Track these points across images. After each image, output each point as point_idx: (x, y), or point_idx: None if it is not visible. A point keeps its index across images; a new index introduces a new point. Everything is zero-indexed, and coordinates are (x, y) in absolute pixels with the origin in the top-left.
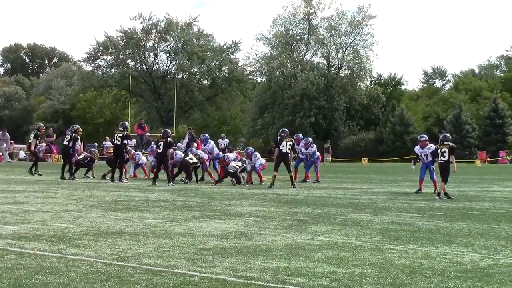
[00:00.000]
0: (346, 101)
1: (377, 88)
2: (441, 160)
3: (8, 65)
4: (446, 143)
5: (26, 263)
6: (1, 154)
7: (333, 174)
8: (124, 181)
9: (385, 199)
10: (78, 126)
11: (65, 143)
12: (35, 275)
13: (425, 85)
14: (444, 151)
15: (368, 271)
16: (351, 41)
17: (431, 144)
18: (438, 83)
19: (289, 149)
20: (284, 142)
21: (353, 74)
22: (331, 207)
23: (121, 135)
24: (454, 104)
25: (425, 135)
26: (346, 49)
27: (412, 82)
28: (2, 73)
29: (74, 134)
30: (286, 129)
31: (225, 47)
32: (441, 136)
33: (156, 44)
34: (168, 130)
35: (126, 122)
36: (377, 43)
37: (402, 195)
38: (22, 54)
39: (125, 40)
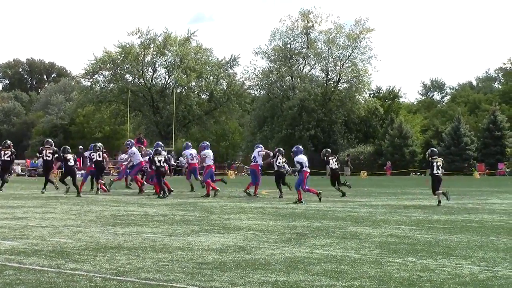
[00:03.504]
0: (344, 114)
1: (375, 101)
2: (437, 172)
3: (7, 81)
4: (438, 157)
5: (24, 279)
6: None
7: (332, 188)
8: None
9: (384, 212)
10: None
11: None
12: None
13: (423, 98)
14: (440, 165)
15: (367, 284)
16: (349, 54)
17: None
18: (437, 96)
19: (337, 164)
20: (331, 160)
21: (352, 87)
22: (330, 220)
23: (51, 151)
24: (453, 116)
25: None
26: (344, 62)
27: (411, 95)
28: (0, 88)
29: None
30: (329, 149)
31: (223, 61)
32: (432, 150)
33: (155, 59)
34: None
35: (50, 140)
36: (376, 56)
37: (401, 208)
38: (20, 69)
39: (123, 55)
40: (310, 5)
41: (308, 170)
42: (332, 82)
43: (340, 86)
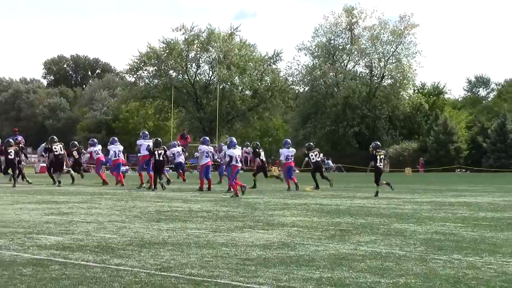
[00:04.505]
0: (389, 110)
1: (420, 97)
2: (380, 164)
3: (52, 77)
4: (382, 150)
5: (70, 273)
6: (46, 165)
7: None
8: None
9: (429, 209)
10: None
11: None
12: (79, 285)
13: (468, 94)
14: (382, 158)
15: (412, 281)
16: (394, 50)
17: None
18: (482, 92)
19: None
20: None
21: (396, 83)
22: (375, 217)
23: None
24: (498, 113)
25: None
26: (388, 58)
27: (455, 91)
28: (46, 84)
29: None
30: (379, 143)
31: (266, 57)
32: (376, 144)
33: (198, 55)
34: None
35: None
36: (420, 52)
37: (446, 205)
38: (65, 65)
39: (167, 50)
40: (354, 1)
41: (239, 165)
42: (376, 78)
43: (384, 82)
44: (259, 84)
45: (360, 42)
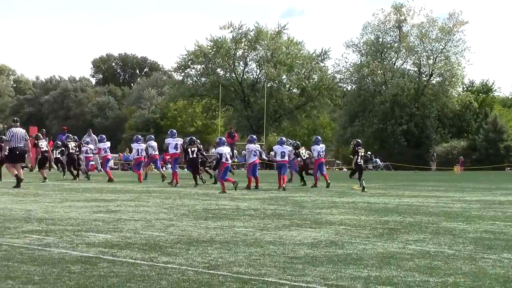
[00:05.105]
0: (437, 108)
1: (469, 95)
2: (360, 161)
3: (100, 76)
4: (362, 148)
5: (118, 271)
6: (93, 163)
7: (425, 182)
8: None
9: (478, 207)
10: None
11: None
12: (127, 283)
13: None
14: (362, 155)
15: (461, 280)
16: (442, 47)
17: None
18: None
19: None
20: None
21: (445, 81)
22: (423, 216)
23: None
24: None
25: None
26: (437, 56)
27: (505, 89)
28: (94, 83)
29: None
30: (359, 140)
31: (314, 55)
32: (357, 141)
33: (246, 53)
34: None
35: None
36: (469, 49)
37: (495, 204)
38: (113, 64)
39: (215, 49)
40: None
41: (229, 162)
42: (424, 76)
43: (433, 80)
44: (306, 82)
45: (409, 39)
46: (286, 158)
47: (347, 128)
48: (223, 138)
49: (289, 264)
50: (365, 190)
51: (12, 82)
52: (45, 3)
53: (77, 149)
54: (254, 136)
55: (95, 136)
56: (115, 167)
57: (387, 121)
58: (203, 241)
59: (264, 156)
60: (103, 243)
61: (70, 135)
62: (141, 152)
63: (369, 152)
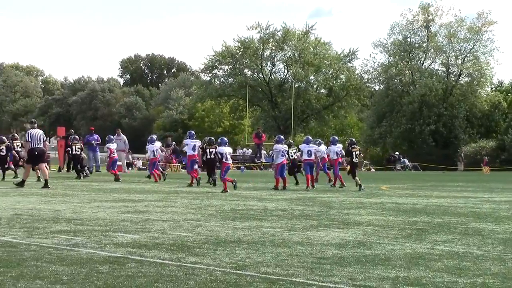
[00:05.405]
0: (466, 108)
1: (498, 94)
2: (356, 160)
3: (128, 76)
4: (356, 146)
5: (146, 271)
6: (120, 163)
7: (454, 183)
8: None
9: (507, 208)
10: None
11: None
12: (155, 283)
13: None
14: (357, 153)
15: (490, 281)
16: (471, 47)
17: None
18: None
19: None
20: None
21: (473, 81)
22: (452, 216)
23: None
24: None
25: None
26: (465, 55)
27: None
28: (122, 83)
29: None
30: (354, 139)
31: (342, 55)
32: (351, 140)
33: (273, 53)
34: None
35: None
36: (498, 49)
37: None
38: (141, 64)
39: (242, 49)
40: None
41: (229, 162)
42: (453, 76)
43: (461, 80)
44: (334, 82)
45: (437, 39)
46: (313, 156)
47: (375, 128)
48: (225, 138)
49: (317, 265)
50: (362, 188)
51: (40, 83)
52: (74, 4)
53: (81, 149)
54: (282, 137)
55: (124, 136)
56: (143, 167)
57: (415, 121)
58: (230, 242)
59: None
60: (131, 243)
61: (76, 136)
62: (156, 152)
63: (397, 153)
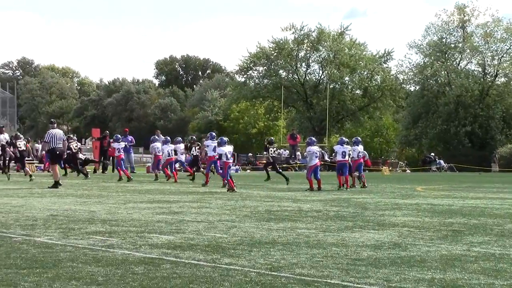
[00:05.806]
0: (502, 109)
1: None
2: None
3: (163, 77)
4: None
5: (181, 272)
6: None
7: (490, 184)
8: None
9: None
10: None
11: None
12: (190, 284)
13: None
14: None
15: None
16: (508, 48)
17: None
18: None
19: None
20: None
21: (510, 82)
22: (488, 218)
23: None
24: None
25: None
26: (502, 56)
27: None
28: (157, 85)
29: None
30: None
31: (377, 56)
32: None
33: (308, 54)
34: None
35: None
36: None
37: None
38: (176, 66)
39: (277, 50)
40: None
41: (230, 161)
42: (489, 77)
43: (498, 81)
44: (369, 83)
45: (473, 40)
46: (347, 157)
47: (410, 130)
48: (224, 138)
49: (352, 266)
50: (366, 186)
51: (76, 85)
52: (110, 6)
53: (79, 149)
54: (314, 138)
55: (163, 137)
56: (178, 169)
57: (451, 122)
58: (265, 243)
59: (326, 158)
60: (166, 244)
61: (72, 135)
62: (171, 152)
63: (432, 154)
